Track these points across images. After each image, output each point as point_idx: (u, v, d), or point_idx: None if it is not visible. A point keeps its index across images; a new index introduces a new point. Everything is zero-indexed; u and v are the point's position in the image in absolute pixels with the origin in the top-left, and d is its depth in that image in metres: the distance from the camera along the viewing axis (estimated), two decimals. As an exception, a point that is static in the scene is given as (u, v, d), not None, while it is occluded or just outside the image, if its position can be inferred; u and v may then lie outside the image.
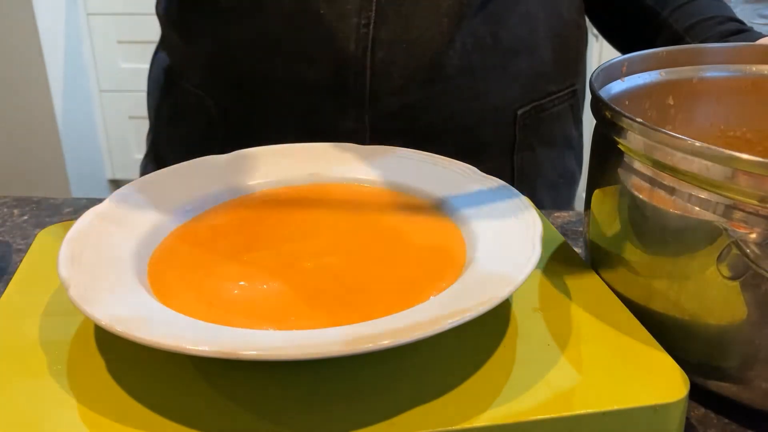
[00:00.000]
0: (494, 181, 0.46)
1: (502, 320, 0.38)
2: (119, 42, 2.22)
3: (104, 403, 0.32)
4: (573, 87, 0.71)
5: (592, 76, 0.43)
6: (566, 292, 0.41)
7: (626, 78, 0.47)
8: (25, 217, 0.59)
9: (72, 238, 0.38)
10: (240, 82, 0.64)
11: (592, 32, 0.76)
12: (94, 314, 0.32)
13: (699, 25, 0.65)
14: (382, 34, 0.59)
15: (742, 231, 0.33)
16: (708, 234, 0.34)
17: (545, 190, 0.72)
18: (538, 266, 0.42)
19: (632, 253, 0.39)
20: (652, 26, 0.67)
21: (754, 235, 0.32)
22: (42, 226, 0.56)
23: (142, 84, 0.77)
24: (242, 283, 0.38)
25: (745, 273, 0.33)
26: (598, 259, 0.44)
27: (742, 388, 0.36)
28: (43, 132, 2.11)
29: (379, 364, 0.34)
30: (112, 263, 0.37)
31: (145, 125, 0.77)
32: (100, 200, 0.44)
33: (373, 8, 0.58)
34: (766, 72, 0.49)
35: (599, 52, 1.91)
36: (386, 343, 0.30)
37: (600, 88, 0.44)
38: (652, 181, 0.37)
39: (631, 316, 0.38)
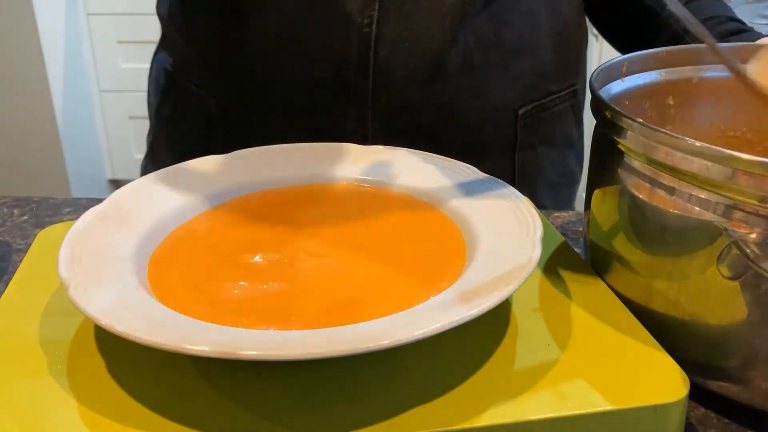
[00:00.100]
0: (494, 181, 0.46)
1: (502, 320, 0.38)
2: (119, 42, 2.22)
3: (104, 403, 0.32)
4: (574, 87, 0.71)
5: (592, 76, 0.43)
6: (566, 292, 0.41)
7: (626, 78, 0.47)
8: (25, 217, 0.59)
9: (72, 238, 0.38)
10: (242, 82, 0.64)
11: (592, 32, 0.76)
12: (94, 314, 0.32)
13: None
14: (385, 32, 0.59)
15: (742, 231, 0.33)
16: (708, 234, 0.34)
17: (546, 190, 0.72)
18: (538, 266, 0.42)
19: (632, 253, 0.39)
20: (652, 26, 0.67)
21: (754, 235, 0.32)
22: (42, 226, 0.56)
23: (142, 84, 0.77)
24: (242, 283, 0.38)
25: (745, 273, 0.33)
26: (598, 259, 0.44)
27: (742, 388, 0.36)
28: (43, 132, 2.11)
29: (379, 364, 0.34)
30: (112, 263, 0.37)
31: (145, 125, 0.77)
32: (100, 200, 0.44)
33: (376, 7, 0.58)
34: (766, 72, 0.49)
35: (599, 52, 1.91)
36: (386, 343, 0.30)
37: (600, 88, 0.44)
38: (652, 181, 0.37)
39: (631, 316, 0.38)
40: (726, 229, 0.33)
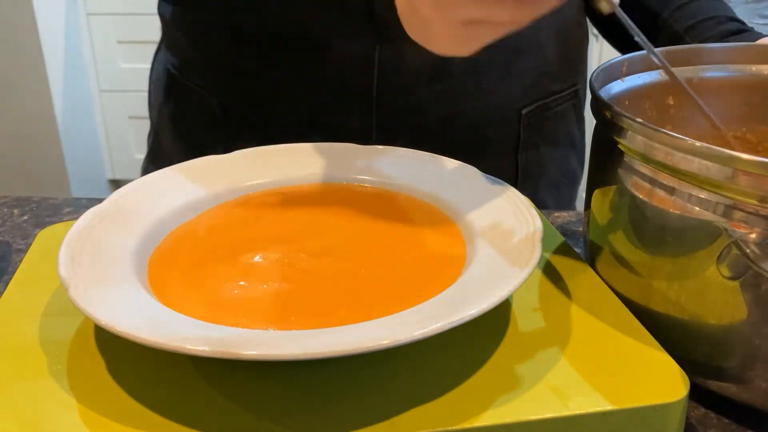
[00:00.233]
0: (494, 181, 0.46)
1: (502, 320, 0.38)
2: (119, 42, 2.22)
3: (104, 403, 0.32)
4: (575, 86, 0.71)
5: (592, 76, 0.43)
6: (566, 292, 0.41)
7: (626, 78, 0.47)
8: (25, 217, 0.59)
9: (72, 239, 0.38)
10: (244, 81, 0.64)
11: (592, 32, 0.76)
12: (94, 314, 0.32)
13: (699, 25, 0.64)
14: (389, 32, 0.59)
15: (742, 231, 0.33)
16: (708, 234, 0.34)
17: (548, 190, 0.72)
18: (538, 266, 0.42)
19: (632, 253, 0.39)
20: (652, 26, 0.67)
21: (754, 235, 0.33)
22: (42, 226, 0.56)
23: (142, 84, 0.77)
24: (242, 283, 0.38)
25: (745, 273, 0.33)
26: (598, 259, 0.44)
27: (742, 388, 0.36)
28: (43, 132, 2.11)
29: (379, 364, 0.34)
30: (112, 263, 0.37)
31: (145, 125, 0.77)
32: (100, 200, 0.44)
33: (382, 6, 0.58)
34: (766, 72, 0.49)
35: (599, 52, 1.91)
36: (386, 343, 0.30)
37: (600, 88, 0.44)
38: (652, 181, 0.37)
39: (631, 316, 0.38)
40: (726, 229, 0.33)
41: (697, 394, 0.37)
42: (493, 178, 0.46)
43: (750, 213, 0.33)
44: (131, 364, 0.34)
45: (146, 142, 0.77)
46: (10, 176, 2.14)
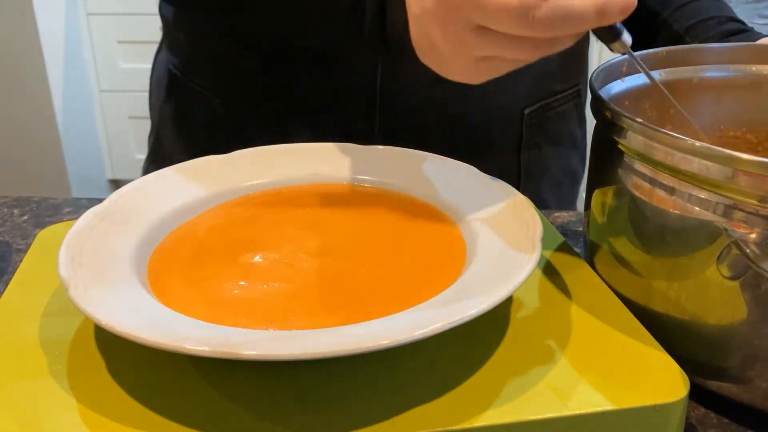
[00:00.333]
0: (494, 181, 0.46)
1: (502, 320, 0.38)
2: (119, 42, 2.22)
3: (104, 403, 0.32)
4: (577, 86, 0.71)
5: (592, 76, 0.43)
6: (566, 292, 0.41)
7: (626, 78, 0.47)
8: (25, 217, 0.59)
9: (72, 239, 0.38)
10: (245, 81, 0.64)
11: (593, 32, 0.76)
12: (94, 314, 0.32)
13: (699, 25, 0.64)
14: (398, 50, 0.59)
15: (742, 231, 0.33)
16: (708, 234, 0.34)
17: (550, 189, 0.72)
18: (538, 266, 0.42)
19: (632, 253, 0.39)
20: (652, 26, 0.67)
21: (754, 235, 0.33)
22: (42, 226, 0.56)
23: (142, 84, 0.77)
24: (242, 283, 0.38)
25: (745, 273, 0.33)
26: (598, 259, 0.44)
27: (742, 388, 0.36)
28: (43, 132, 2.11)
29: (379, 364, 0.34)
30: (112, 263, 0.37)
31: (145, 125, 0.76)
32: (100, 200, 0.44)
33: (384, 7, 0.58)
34: (766, 72, 0.49)
35: (599, 52, 1.91)
36: (386, 343, 0.30)
37: (600, 88, 0.44)
38: (652, 181, 0.37)
39: (631, 316, 0.38)
40: (726, 229, 0.33)
41: (697, 394, 0.37)
42: (493, 177, 0.46)
43: (750, 213, 0.33)
44: (131, 364, 0.34)
45: (147, 143, 0.77)
46: (10, 176, 2.14)
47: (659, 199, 0.37)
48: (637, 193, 0.38)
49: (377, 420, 0.31)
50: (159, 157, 0.74)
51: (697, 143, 0.33)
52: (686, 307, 0.36)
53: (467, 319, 0.32)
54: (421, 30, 0.41)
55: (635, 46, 0.40)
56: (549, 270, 0.43)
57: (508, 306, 0.39)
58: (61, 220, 0.57)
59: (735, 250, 0.33)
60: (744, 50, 0.50)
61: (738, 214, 0.33)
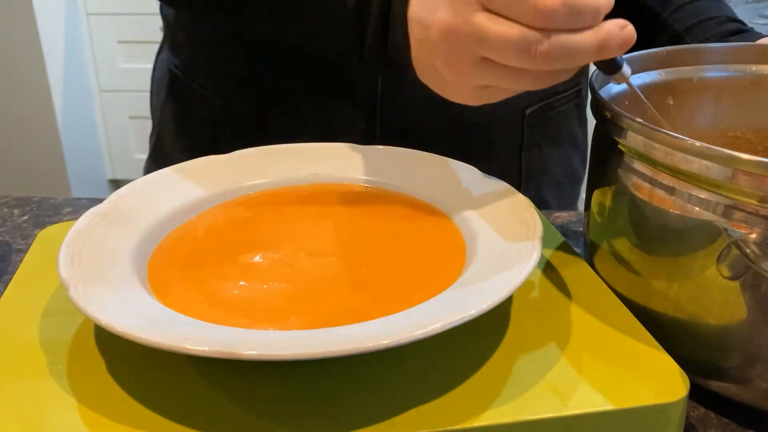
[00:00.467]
0: (494, 181, 0.46)
1: (502, 320, 0.38)
2: (119, 42, 2.22)
3: (104, 403, 0.32)
4: (578, 86, 0.71)
5: (592, 76, 0.43)
6: (566, 292, 0.41)
7: (626, 78, 0.47)
8: (25, 217, 0.59)
9: (72, 239, 0.38)
10: (247, 82, 0.64)
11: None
12: (94, 314, 0.32)
13: (699, 25, 0.65)
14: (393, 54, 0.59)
15: (742, 231, 0.33)
16: (708, 234, 0.34)
17: (551, 189, 0.72)
18: (538, 266, 0.42)
19: (632, 253, 0.39)
20: (652, 26, 0.67)
21: (754, 235, 0.32)
22: (42, 226, 0.56)
23: (142, 84, 0.77)
24: (242, 283, 0.38)
25: (745, 273, 0.33)
26: (598, 259, 0.44)
27: (742, 388, 0.36)
28: (43, 132, 2.11)
29: (379, 364, 0.34)
30: (112, 263, 0.37)
31: (145, 125, 0.76)
32: (100, 200, 0.44)
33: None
34: (766, 72, 0.49)
35: (599, 52, 1.91)
36: (386, 343, 0.30)
37: (600, 88, 0.44)
38: (652, 181, 0.37)
39: (631, 316, 0.38)
40: (726, 229, 0.33)
41: (697, 394, 0.37)
42: (493, 177, 0.46)
43: (750, 213, 0.33)
44: (131, 364, 0.34)
45: (147, 142, 0.77)
46: (10, 176, 2.14)
47: (659, 199, 0.37)
48: (637, 193, 0.38)
49: (377, 420, 0.31)
50: (160, 157, 0.74)
51: (697, 143, 0.33)
52: (686, 307, 0.36)
53: (467, 319, 0.32)
54: (424, 57, 0.42)
55: (635, 46, 0.40)
56: (549, 270, 0.43)
57: (508, 306, 0.39)
58: (61, 220, 0.57)
59: (735, 250, 0.33)
60: (744, 50, 0.50)
61: (738, 214, 0.33)
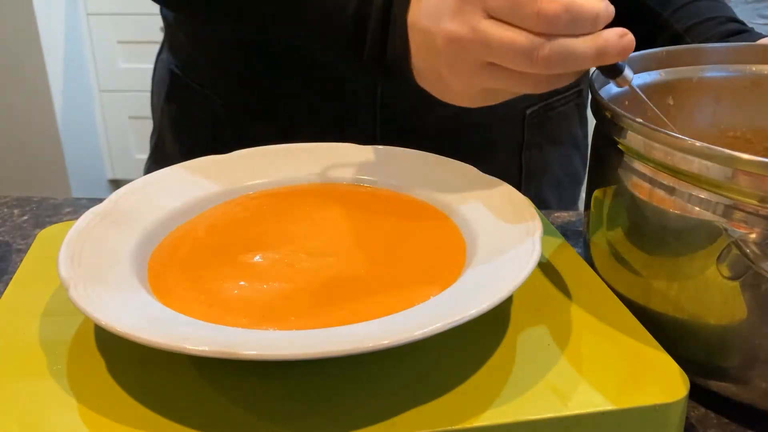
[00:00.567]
0: (494, 181, 0.46)
1: (502, 320, 0.38)
2: (119, 42, 2.22)
3: (104, 403, 0.32)
4: (579, 87, 0.71)
5: (592, 76, 0.43)
6: (566, 292, 0.41)
7: (626, 78, 0.47)
8: (25, 217, 0.59)
9: (72, 239, 0.38)
10: (247, 82, 0.64)
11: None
12: (94, 314, 0.32)
13: (699, 25, 0.65)
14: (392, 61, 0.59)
15: (742, 231, 0.33)
16: (708, 234, 0.34)
17: (551, 189, 0.72)
18: (538, 266, 0.42)
19: (632, 253, 0.39)
20: (652, 26, 0.67)
21: (754, 235, 0.33)
22: (42, 226, 0.56)
23: (142, 84, 0.77)
24: (242, 283, 0.38)
25: (745, 273, 0.33)
26: (598, 259, 0.44)
27: (742, 388, 0.36)
28: (43, 132, 2.11)
29: (379, 364, 0.34)
30: (112, 263, 0.37)
31: (145, 125, 0.77)
32: (100, 200, 0.44)
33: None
34: (766, 72, 0.49)
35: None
36: (386, 343, 0.30)
37: (600, 88, 0.44)
38: (652, 181, 0.37)
39: (631, 316, 0.38)
40: (726, 229, 0.33)
41: (697, 394, 0.37)
42: (493, 178, 0.46)
43: (750, 213, 0.33)
44: (131, 364, 0.34)
45: (148, 142, 0.77)
46: (10, 176, 2.14)
47: (659, 199, 0.37)
48: (637, 193, 0.38)
49: (377, 420, 0.31)
50: (161, 157, 0.74)
51: (697, 143, 0.33)
52: (686, 307, 0.36)
53: (467, 319, 0.32)
54: (427, 63, 0.43)
55: (636, 47, 0.40)
56: (549, 270, 0.43)
57: (508, 306, 0.39)
58: (61, 220, 0.57)
59: (735, 250, 0.33)
60: (744, 50, 0.50)
61: (738, 214, 0.33)
